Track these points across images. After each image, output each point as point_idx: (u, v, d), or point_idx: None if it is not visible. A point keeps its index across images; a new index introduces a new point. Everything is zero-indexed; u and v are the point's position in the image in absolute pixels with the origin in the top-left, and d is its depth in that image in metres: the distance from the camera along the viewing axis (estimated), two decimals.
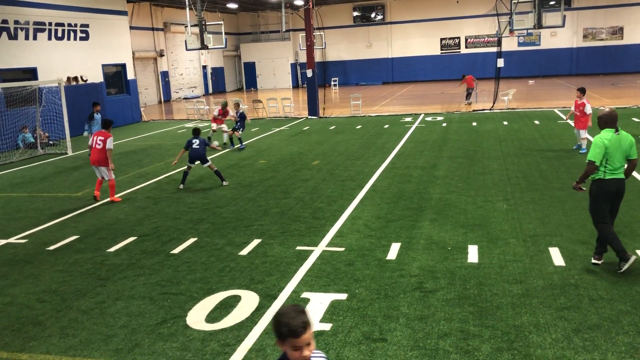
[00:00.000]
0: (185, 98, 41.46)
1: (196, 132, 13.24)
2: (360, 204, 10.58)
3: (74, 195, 12.72)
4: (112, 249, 8.77)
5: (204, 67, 45.81)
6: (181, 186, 12.86)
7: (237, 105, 20.14)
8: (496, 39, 28.50)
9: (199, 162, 12.81)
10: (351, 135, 19.78)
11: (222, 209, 10.80)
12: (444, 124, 21.23)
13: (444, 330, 5.67)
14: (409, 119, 23.40)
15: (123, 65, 27.77)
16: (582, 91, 14.82)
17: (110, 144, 11.64)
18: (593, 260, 7.15)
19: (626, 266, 6.71)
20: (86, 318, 6.40)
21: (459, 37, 46.22)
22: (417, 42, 47.11)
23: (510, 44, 42.93)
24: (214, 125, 18.82)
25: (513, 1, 24.96)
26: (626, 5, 41.95)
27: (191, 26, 26.03)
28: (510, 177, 12.04)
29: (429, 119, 23.22)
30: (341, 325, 5.89)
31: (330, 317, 6.08)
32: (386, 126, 21.64)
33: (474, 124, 20.88)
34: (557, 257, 7.45)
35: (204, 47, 26.34)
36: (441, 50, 46.87)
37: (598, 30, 43.26)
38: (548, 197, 10.31)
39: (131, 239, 9.25)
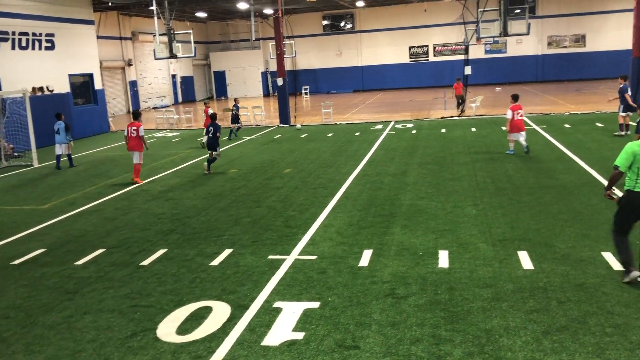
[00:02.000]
0: (154, 107, 41.03)
1: (213, 117, 15.43)
2: (333, 212, 10.59)
3: (40, 208, 12.44)
4: (80, 262, 8.59)
5: (173, 76, 45.43)
6: (206, 172, 14.93)
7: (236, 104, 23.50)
8: (463, 46, 28.93)
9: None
10: (323, 143, 19.82)
11: (192, 219, 10.69)
12: (414, 131, 21.44)
13: (416, 336, 5.70)
14: (379, 127, 23.57)
15: (90, 75, 27.36)
16: (512, 97, 15.63)
17: (142, 131, 14.27)
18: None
19: (627, 279, 6.61)
20: (53, 333, 6.25)
21: (427, 45, 46.81)
22: (386, 50, 47.55)
23: (477, 52, 43.63)
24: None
25: (479, 10, 25.44)
26: (587, 13, 43.11)
27: (160, 35, 25.81)
28: (479, 183, 12.21)
29: (399, 126, 23.43)
30: (314, 334, 5.87)
31: (303, 326, 6.06)
32: (357, 134, 21.75)
33: (443, 130, 21.14)
34: (525, 260, 7.56)
35: (172, 56, 26.13)
36: (410, 58, 47.40)
37: (562, 37, 44.32)
38: (516, 202, 10.48)
39: (100, 251, 9.08)
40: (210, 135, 14.96)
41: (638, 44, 22.89)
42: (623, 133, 17.24)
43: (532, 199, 10.67)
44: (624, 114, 17.33)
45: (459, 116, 25.27)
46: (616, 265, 7.17)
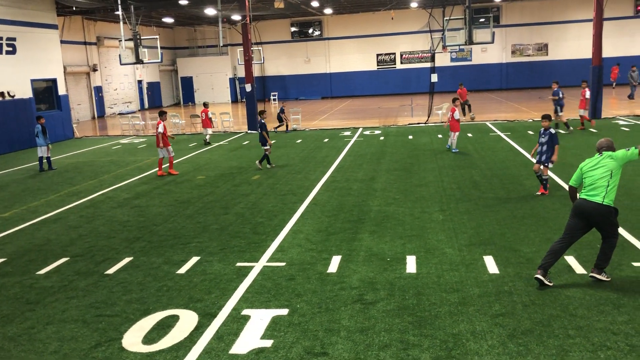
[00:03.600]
0: (120, 113, 40.39)
1: (260, 113, 16.40)
2: (301, 218, 10.58)
3: (0, 216, 12.10)
4: (43, 271, 8.38)
5: (140, 82, 44.81)
6: (268, 166, 16.11)
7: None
8: (430, 54, 29.30)
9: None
10: (291, 149, 19.80)
11: (159, 226, 10.55)
12: (382, 138, 21.61)
13: (385, 342, 5.72)
14: (347, 133, 23.68)
15: (54, 80, 26.76)
16: (453, 101, 18.33)
17: (160, 128, 15.58)
18: (600, 277, 6.92)
19: (537, 277, 6.81)
20: (13, 345, 6.07)
21: (394, 53, 47.28)
22: (354, 57, 47.87)
23: (443, 60, 44.27)
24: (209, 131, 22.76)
25: (445, 18, 25.83)
26: (549, 23, 44.22)
27: (125, 40, 25.45)
28: (445, 189, 12.36)
29: (367, 132, 23.58)
30: (282, 341, 5.84)
31: (272, 334, 6.02)
32: (326, 140, 21.81)
33: (410, 137, 21.36)
34: (491, 265, 7.68)
35: (139, 61, 25.80)
36: (377, 65, 47.81)
37: (525, 46, 45.33)
38: (482, 207, 10.65)
39: (63, 260, 8.87)
40: (259, 130, 16.09)
41: (597, 53, 23.58)
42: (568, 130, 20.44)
43: (497, 204, 10.85)
44: (561, 114, 20.84)
45: (425, 123, 25.57)
46: (579, 269, 7.34)
